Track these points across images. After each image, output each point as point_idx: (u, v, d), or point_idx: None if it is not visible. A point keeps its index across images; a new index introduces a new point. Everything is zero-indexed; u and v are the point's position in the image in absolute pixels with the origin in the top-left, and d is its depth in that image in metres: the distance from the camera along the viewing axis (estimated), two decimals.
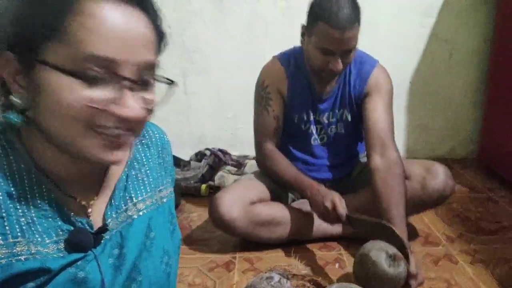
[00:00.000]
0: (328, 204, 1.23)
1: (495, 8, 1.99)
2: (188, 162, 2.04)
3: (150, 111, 0.53)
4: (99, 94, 0.48)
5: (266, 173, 1.45)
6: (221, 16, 2.05)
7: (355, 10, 1.20)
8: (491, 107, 2.04)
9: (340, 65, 1.24)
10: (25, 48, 0.47)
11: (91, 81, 0.47)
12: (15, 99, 0.49)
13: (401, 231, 1.15)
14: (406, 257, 1.09)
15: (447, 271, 1.27)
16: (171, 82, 0.56)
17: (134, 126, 0.53)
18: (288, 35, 2.04)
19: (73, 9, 0.47)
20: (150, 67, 0.52)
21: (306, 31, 1.29)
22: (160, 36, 0.55)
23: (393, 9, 2.05)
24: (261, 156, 1.44)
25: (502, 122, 1.91)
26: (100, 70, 0.47)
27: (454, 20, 2.08)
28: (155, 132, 0.72)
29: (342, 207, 1.22)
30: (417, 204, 1.37)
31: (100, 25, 0.47)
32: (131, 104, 0.49)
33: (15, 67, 0.49)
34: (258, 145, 1.44)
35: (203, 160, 2.01)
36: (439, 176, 1.36)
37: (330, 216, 1.24)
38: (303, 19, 2.03)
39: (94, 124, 0.49)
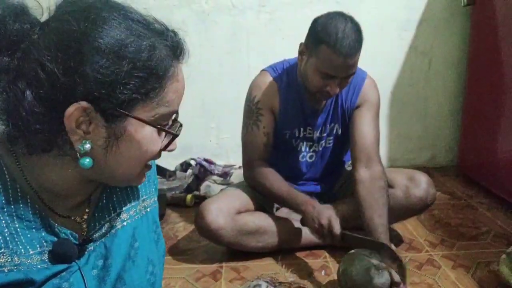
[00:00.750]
0: (324, 223, 1.22)
1: (470, 21, 2.07)
2: (174, 172, 2.03)
3: None
4: (167, 139, 0.58)
5: (256, 190, 1.41)
6: (203, 27, 2.07)
7: (359, 37, 1.18)
8: (469, 116, 2.11)
9: (337, 90, 1.23)
10: (115, 103, 0.50)
11: (169, 130, 0.57)
12: (85, 145, 0.51)
13: (386, 240, 1.17)
14: (403, 276, 1.08)
15: (430, 276, 1.29)
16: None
17: None
18: (270, 47, 2.08)
19: (169, 76, 0.53)
20: None
21: (306, 50, 1.25)
22: None
23: (372, 23, 2.10)
24: (251, 173, 1.40)
25: (480, 131, 1.97)
26: (170, 120, 0.57)
27: (431, 33, 2.16)
28: None
29: (337, 226, 1.21)
30: (400, 211, 1.39)
31: (180, 86, 0.56)
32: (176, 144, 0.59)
33: (90, 116, 0.50)
34: (248, 163, 1.41)
35: (189, 170, 2.00)
36: (421, 185, 1.39)
37: (325, 234, 1.23)
38: (285, 32, 2.08)
39: (149, 161, 0.58)
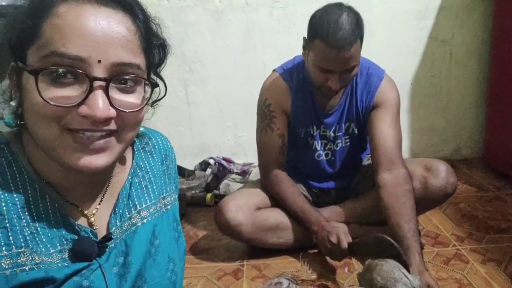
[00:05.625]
0: (334, 239, 1.19)
1: (492, 8, 1.99)
2: (193, 172, 2.03)
3: (132, 114, 0.52)
4: (65, 92, 0.47)
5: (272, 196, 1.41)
6: (218, 26, 2.07)
7: (356, 28, 1.12)
8: (494, 106, 2.03)
9: (337, 85, 1.18)
10: (15, 54, 0.49)
11: (59, 80, 0.47)
12: (11, 103, 0.51)
13: (415, 247, 1.11)
14: (406, 267, 1.03)
15: (459, 270, 1.24)
16: (155, 85, 0.55)
17: (113, 130, 0.51)
18: (285, 43, 2.07)
19: (49, 12, 0.47)
20: (130, 67, 0.50)
21: (307, 45, 1.23)
22: (147, 38, 0.54)
23: (388, 14, 2.06)
24: (267, 181, 1.38)
25: (506, 121, 1.90)
26: (67, 69, 0.47)
27: (452, 21, 2.09)
28: (158, 139, 0.72)
29: (345, 243, 1.18)
30: (420, 203, 1.33)
31: (67, 24, 0.46)
32: (98, 104, 0.47)
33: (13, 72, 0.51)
34: (264, 167, 1.39)
35: (208, 169, 2.01)
36: (440, 174, 1.32)
37: (336, 252, 1.20)
38: (300, 27, 2.06)
39: (67, 125, 0.48)
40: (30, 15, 0.48)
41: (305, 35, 1.23)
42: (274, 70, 1.40)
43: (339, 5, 1.16)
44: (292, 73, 1.35)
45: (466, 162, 2.20)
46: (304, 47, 1.26)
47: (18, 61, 0.49)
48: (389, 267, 0.99)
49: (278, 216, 1.36)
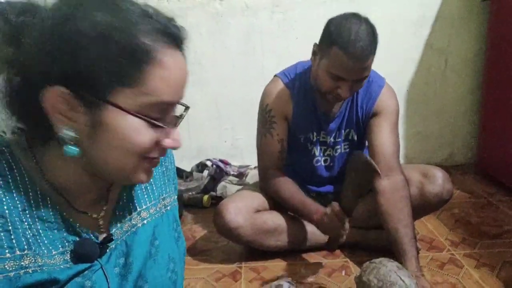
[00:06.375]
0: (328, 210, 1.20)
1: (487, 18, 2.03)
2: (191, 173, 2.04)
3: None
4: (159, 133, 0.53)
5: (273, 198, 1.41)
6: (217, 29, 2.08)
7: (373, 41, 1.14)
8: (488, 113, 2.06)
9: (348, 93, 1.19)
10: (92, 88, 0.48)
11: (153, 121, 0.52)
12: (69, 132, 0.50)
13: (411, 252, 1.14)
14: (375, 169, 1.05)
15: (453, 275, 1.26)
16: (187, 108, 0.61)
17: None
18: (284, 47, 2.08)
19: (151, 60, 0.49)
20: None
21: (319, 51, 1.22)
22: None
23: (387, 21, 2.07)
24: (266, 182, 1.39)
25: (499, 128, 1.93)
26: (161, 112, 0.52)
27: (448, 30, 2.12)
28: None
29: (337, 207, 1.17)
30: (416, 209, 1.35)
31: (172, 76, 0.51)
32: (178, 137, 0.56)
33: (68, 102, 0.49)
34: (263, 171, 1.41)
35: (205, 171, 2.01)
36: (437, 181, 1.35)
37: (335, 222, 1.19)
38: (299, 32, 2.07)
39: (147, 155, 0.54)
40: (128, 58, 0.48)
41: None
42: (275, 76, 1.40)
43: (357, 15, 1.17)
44: (295, 80, 1.36)
45: (460, 168, 2.23)
46: (314, 53, 1.25)
47: (94, 95, 0.48)
48: (386, 270, 1.01)
49: (276, 219, 1.37)
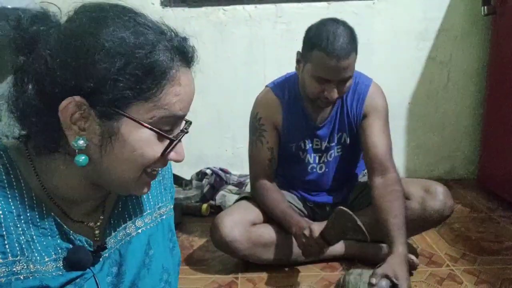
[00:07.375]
0: (306, 232, 1.21)
1: (490, 33, 2.03)
2: (190, 181, 2.03)
3: None
4: (166, 145, 0.54)
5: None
6: (221, 38, 2.09)
7: (352, 40, 1.18)
8: (490, 128, 2.06)
9: (335, 94, 1.23)
10: (111, 100, 0.49)
11: (164, 134, 0.53)
12: (80, 142, 0.50)
13: (399, 239, 1.15)
14: (363, 235, 1.10)
15: None
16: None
17: None
18: (286, 58, 2.08)
19: (168, 76, 0.52)
20: None
21: (302, 58, 1.27)
22: None
23: (390, 34, 2.09)
24: (255, 191, 1.41)
25: (501, 143, 1.92)
26: (171, 126, 0.54)
27: (450, 43, 2.13)
28: None
29: (317, 232, 1.19)
30: (417, 224, 1.36)
31: (186, 92, 0.54)
32: (182, 151, 0.57)
33: (83, 112, 0.50)
34: (253, 180, 1.43)
35: (204, 180, 2.01)
36: (438, 197, 1.35)
37: (311, 244, 1.21)
38: (301, 43, 2.08)
39: (149, 168, 0.55)
40: (148, 74, 0.50)
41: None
42: (266, 86, 1.44)
43: (334, 19, 1.23)
44: (284, 88, 1.40)
45: (461, 182, 2.21)
46: (298, 61, 1.30)
47: (111, 107, 0.49)
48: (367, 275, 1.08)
49: (272, 232, 1.36)
